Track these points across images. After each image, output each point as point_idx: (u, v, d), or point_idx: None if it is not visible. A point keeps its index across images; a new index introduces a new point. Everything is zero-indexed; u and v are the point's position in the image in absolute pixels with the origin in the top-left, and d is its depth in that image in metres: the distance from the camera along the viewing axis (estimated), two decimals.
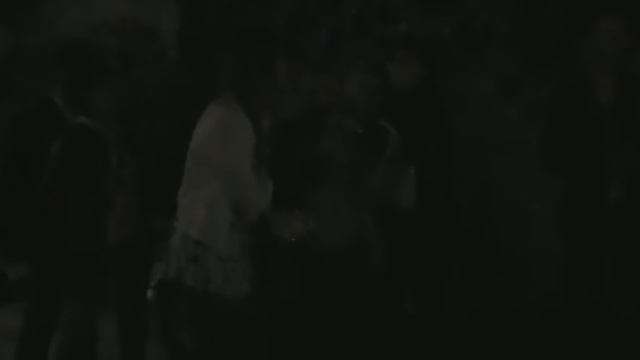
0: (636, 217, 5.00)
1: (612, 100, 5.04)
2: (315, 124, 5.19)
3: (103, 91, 4.78)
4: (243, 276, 4.39)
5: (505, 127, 6.30)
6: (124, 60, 5.79)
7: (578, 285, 5.09)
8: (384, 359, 5.15)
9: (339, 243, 5.09)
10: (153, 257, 4.44)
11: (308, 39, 6.62)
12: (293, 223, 4.61)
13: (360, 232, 5.17)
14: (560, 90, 5.25)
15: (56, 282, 4.86)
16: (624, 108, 5.00)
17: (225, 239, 4.34)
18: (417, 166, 5.21)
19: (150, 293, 4.89)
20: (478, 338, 5.72)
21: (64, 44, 5.29)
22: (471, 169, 6.09)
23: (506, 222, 6.17)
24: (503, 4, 6.58)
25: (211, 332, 4.36)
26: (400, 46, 5.66)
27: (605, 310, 4.99)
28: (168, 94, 5.63)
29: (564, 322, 5.14)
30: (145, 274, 4.44)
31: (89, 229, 4.76)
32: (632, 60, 5.23)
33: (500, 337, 5.66)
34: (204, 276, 4.31)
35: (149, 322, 5.13)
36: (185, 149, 4.41)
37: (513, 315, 5.68)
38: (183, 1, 6.58)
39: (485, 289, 6.01)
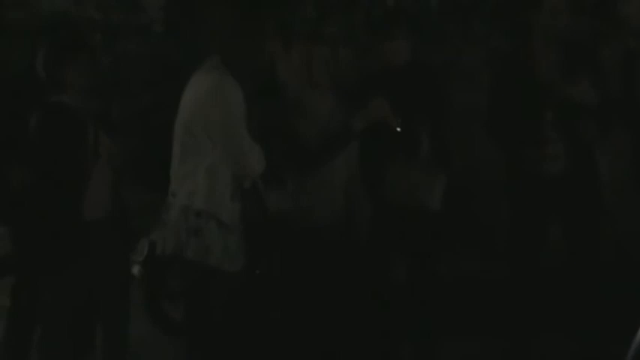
0: (577, 187, 5.12)
1: (554, 72, 5.11)
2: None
3: (82, 66, 4.70)
4: (238, 249, 4.36)
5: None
6: (108, 33, 5.73)
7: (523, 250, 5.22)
8: (373, 330, 5.16)
9: (325, 217, 5.06)
10: (134, 233, 4.39)
11: (295, 13, 6.56)
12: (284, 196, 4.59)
13: (347, 206, 5.15)
14: (501, 61, 5.33)
15: (36, 258, 4.80)
16: (566, 80, 5.08)
17: (227, 207, 4.30)
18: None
19: (136, 269, 4.89)
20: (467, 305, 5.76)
21: (42, 18, 5.22)
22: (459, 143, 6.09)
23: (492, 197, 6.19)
24: None
25: (206, 305, 4.33)
26: (389, 20, 5.61)
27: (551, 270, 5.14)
28: (152, 67, 5.58)
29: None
30: (126, 250, 4.39)
31: (65, 205, 4.68)
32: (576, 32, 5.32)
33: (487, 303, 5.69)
34: (205, 249, 4.26)
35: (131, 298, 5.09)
36: (169, 123, 4.36)
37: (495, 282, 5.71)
38: None
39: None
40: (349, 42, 6.18)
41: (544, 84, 5.15)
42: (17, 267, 5.03)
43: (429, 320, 5.24)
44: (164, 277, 5.19)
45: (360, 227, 5.21)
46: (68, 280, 4.69)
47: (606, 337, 4.95)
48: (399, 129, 5.01)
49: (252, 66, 4.40)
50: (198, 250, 4.25)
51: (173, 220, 4.30)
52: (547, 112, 5.13)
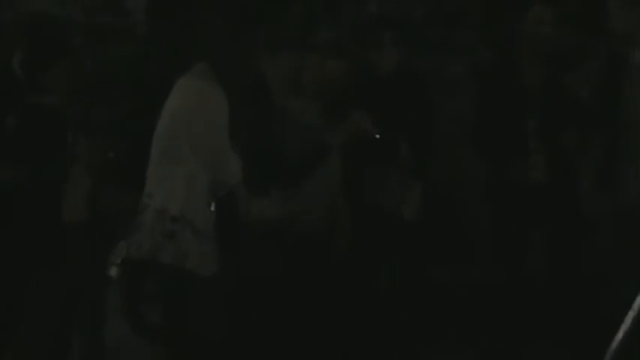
0: (560, 197, 5.15)
1: (539, 84, 5.13)
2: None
3: (62, 68, 4.69)
4: (214, 255, 4.35)
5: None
6: (91, 36, 5.72)
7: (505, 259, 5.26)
8: (356, 338, 5.16)
9: (309, 223, 5.07)
10: (113, 236, 4.38)
11: (281, 21, 6.56)
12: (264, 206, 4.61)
13: (330, 212, 5.16)
14: (487, 73, 5.37)
15: (14, 261, 4.78)
16: (550, 92, 5.09)
17: (203, 215, 4.29)
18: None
19: (113, 271, 4.87)
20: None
21: (23, 20, 5.21)
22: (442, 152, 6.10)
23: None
24: None
25: (182, 309, 4.32)
26: (375, 29, 5.63)
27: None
28: (135, 70, 5.57)
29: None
30: (103, 253, 4.38)
31: (43, 208, 4.67)
32: (562, 44, 5.37)
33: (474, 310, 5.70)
34: (182, 253, 4.26)
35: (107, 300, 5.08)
36: (150, 126, 4.36)
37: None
38: None
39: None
40: (334, 51, 6.18)
41: (528, 93, 5.18)
42: None
43: (411, 328, 5.25)
44: (140, 279, 5.19)
45: (341, 234, 5.23)
46: (46, 283, 4.68)
47: (589, 344, 4.96)
48: (377, 135, 5.03)
49: (239, 74, 4.41)
50: (173, 254, 4.26)
51: (149, 223, 4.31)
52: (530, 121, 5.16)
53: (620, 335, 3.61)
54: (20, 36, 4.93)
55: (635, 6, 5.54)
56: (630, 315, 3.63)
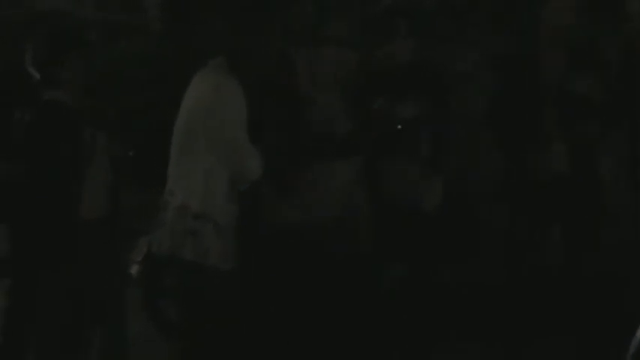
0: (581, 189, 5.13)
1: (558, 71, 5.11)
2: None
3: (77, 65, 4.69)
4: (234, 250, 4.37)
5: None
6: (106, 32, 5.72)
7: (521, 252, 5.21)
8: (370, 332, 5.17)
9: (327, 215, 5.07)
10: (132, 232, 4.38)
11: (293, 11, 6.54)
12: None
13: (350, 205, 5.17)
14: (504, 61, 5.33)
15: (32, 258, 4.79)
16: (572, 83, 5.08)
17: (223, 209, 4.29)
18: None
19: (134, 268, 4.89)
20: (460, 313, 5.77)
21: (35, 16, 5.21)
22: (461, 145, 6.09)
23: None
24: None
25: (202, 304, 4.33)
26: (390, 20, 5.62)
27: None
28: (150, 66, 5.58)
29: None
30: (123, 250, 4.39)
31: (61, 205, 4.67)
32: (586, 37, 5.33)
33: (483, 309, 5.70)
34: (203, 250, 4.25)
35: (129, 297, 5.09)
36: (167, 121, 4.35)
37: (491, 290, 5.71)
38: None
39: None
40: (349, 44, 6.17)
41: (547, 84, 5.15)
42: (14, 267, 5.02)
43: (427, 323, 5.25)
44: (161, 276, 5.19)
45: (361, 228, 5.23)
46: (65, 280, 4.68)
47: (606, 340, 4.96)
48: (399, 126, 5.03)
49: (256, 67, 4.41)
50: (195, 250, 4.25)
51: (170, 220, 4.30)
52: (550, 112, 5.13)
53: None
54: (32, 33, 4.93)
55: None
56: None
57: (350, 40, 5.89)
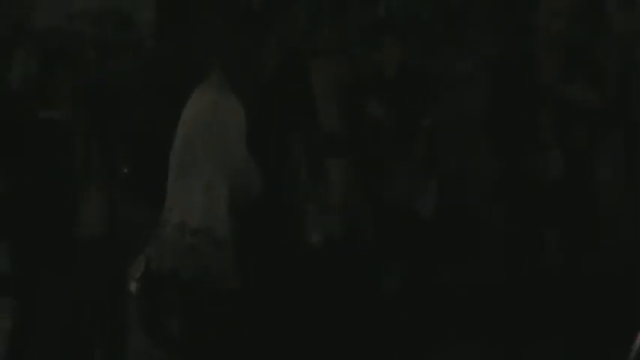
0: (577, 194, 5.13)
1: (552, 75, 5.10)
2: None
3: (72, 82, 4.70)
4: (234, 266, 4.38)
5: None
6: (100, 49, 5.74)
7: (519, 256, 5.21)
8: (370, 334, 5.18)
9: (327, 229, 5.09)
10: (131, 249, 4.40)
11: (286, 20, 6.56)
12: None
13: (350, 217, 5.19)
14: (503, 65, 5.33)
15: (32, 276, 4.80)
16: (565, 81, 5.07)
17: (224, 226, 4.31)
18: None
19: (133, 285, 4.88)
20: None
21: (30, 33, 5.22)
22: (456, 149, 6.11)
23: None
24: None
25: (203, 322, 4.34)
26: (381, 29, 5.64)
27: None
28: (144, 82, 5.59)
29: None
30: (122, 267, 4.40)
31: (60, 223, 4.69)
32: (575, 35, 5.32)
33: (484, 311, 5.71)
34: (201, 267, 4.28)
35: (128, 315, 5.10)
36: (162, 138, 4.36)
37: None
38: None
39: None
40: (343, 52, 6.20)
41: (542, 88, 5.15)
42: (16, 286, 5.04)
43: (427, 324, 5.26)
44: (161, 292, 5.19)
45: (360, 232, 5.25)
46: (65, 297, 4.70)
47: (604, 343, 4.97)
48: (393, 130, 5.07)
49: (252, 79, 4.42)
50: (194, 267, 4.27)
51: (169, 237, 4.32)
52: (545, 116, 5.13)
53: None
54: (24, 50, 4.94)
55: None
56: None
57: (344, 48, 5.92)
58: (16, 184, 4.76)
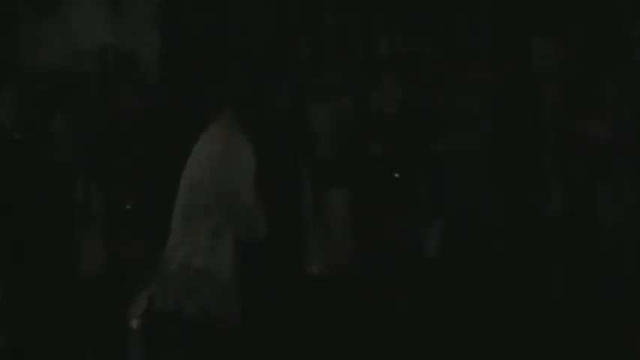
0: (578, 229, 5.10)
1: (554, 113, 5.10)
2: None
3: (69, 120, 4.71)
4: (237, 308, 4.37)
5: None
6: (103, 87, 5.76)
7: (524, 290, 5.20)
8: None
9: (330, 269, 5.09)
10: (133, 286, 4.39)
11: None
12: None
13: (352, 258, 5.18)
14: (505, 100, 5.34)
15: (29, 315, 4.79)
16: (570, 120, 5.07)
17: (227, 267, 4.31)
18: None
19: (135, 322, 4.86)
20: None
21: (22, 74, 5.24)
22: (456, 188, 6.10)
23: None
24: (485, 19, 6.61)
25: None
26: (383, 67, 5.65)
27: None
28: (147, 120, 5.60)
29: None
30: (123, 304, 4.39)
31: (59, 264, 4.69)
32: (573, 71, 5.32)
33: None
34: (205, 307, 4.27)
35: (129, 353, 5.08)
36: (165, 176, 4.37)
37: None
38: (165, 27, 6.58)
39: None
40: (346, 91, 6.22)
41: (544, 126, 5.15)
42: (15, 326, 5.02)
43: None
44: (163, 330, 5.18)
45: (361, 273, 5.24)
46: (65, 337, 4.69)
47: None
48: (397, 175, 5.05)
49: (264, 121, 4.43)
50: (196, 307, 4.26)
51: (172, 276, 4.31)
52: (547, 154, 5.13)
53: None
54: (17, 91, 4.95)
55: None
56: None
57: (347, 88, 5.94)
58: (14, 225, 4.75)
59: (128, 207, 4.71)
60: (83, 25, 6.30)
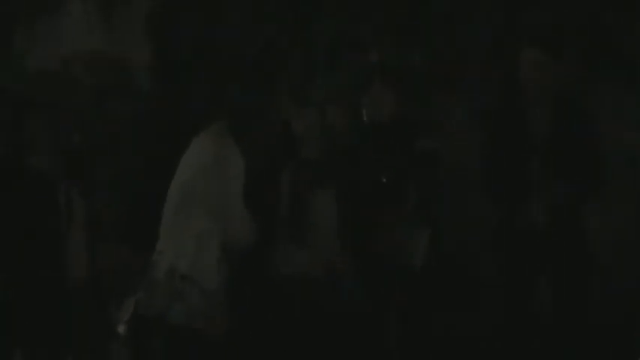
0: (565, 242, 5.10)
1: (547, 128, 5.10)
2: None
3: (51, 127, 4.70)
4: (222, 313, 4.35)
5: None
6: (94, 93, 5.76)
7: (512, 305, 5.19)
8: None
9: (313, 274, 5.07)
10: (117, 292, 4.38)
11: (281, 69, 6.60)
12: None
13: (335, 263, 5.16)
14: (495, 116, 5.34)
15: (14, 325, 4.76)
16: (558, 136, 5.07)
17: (212, 274, 4.30)
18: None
19: (121, 328, 4.85)
20: None
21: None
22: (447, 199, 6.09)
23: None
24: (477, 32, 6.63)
25: None
26: (374, 78, 5.65)
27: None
28: (136, 127, 5.60)
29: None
30: (108, 310, 4.38)
31: (42, 271, 4.67)
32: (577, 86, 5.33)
33: None
34: (189, 313, 4.26)
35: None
36: (153, 183, 4.36)
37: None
38: (155, 35, 6.58)
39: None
40: (337, 101, 6.22)
41: (532, 138, 5.15)
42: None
43: None
44: (149, 336, 5.17)
45: (348, 283, 5.22)
46: (50, 343, 4.67)
47: None
48: (384, 179, 5.05)
49: (258, 131, 4.43)
50: (182, 312, 4.26)
51: (158, 280, 4.31)
52: (535, 166, 5.13)
53: None
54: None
55: None
56: None
57: (337, 98, 5.94)
58: None
59: (112, 211, 4.69)
60: (74, 29, 6.30)
